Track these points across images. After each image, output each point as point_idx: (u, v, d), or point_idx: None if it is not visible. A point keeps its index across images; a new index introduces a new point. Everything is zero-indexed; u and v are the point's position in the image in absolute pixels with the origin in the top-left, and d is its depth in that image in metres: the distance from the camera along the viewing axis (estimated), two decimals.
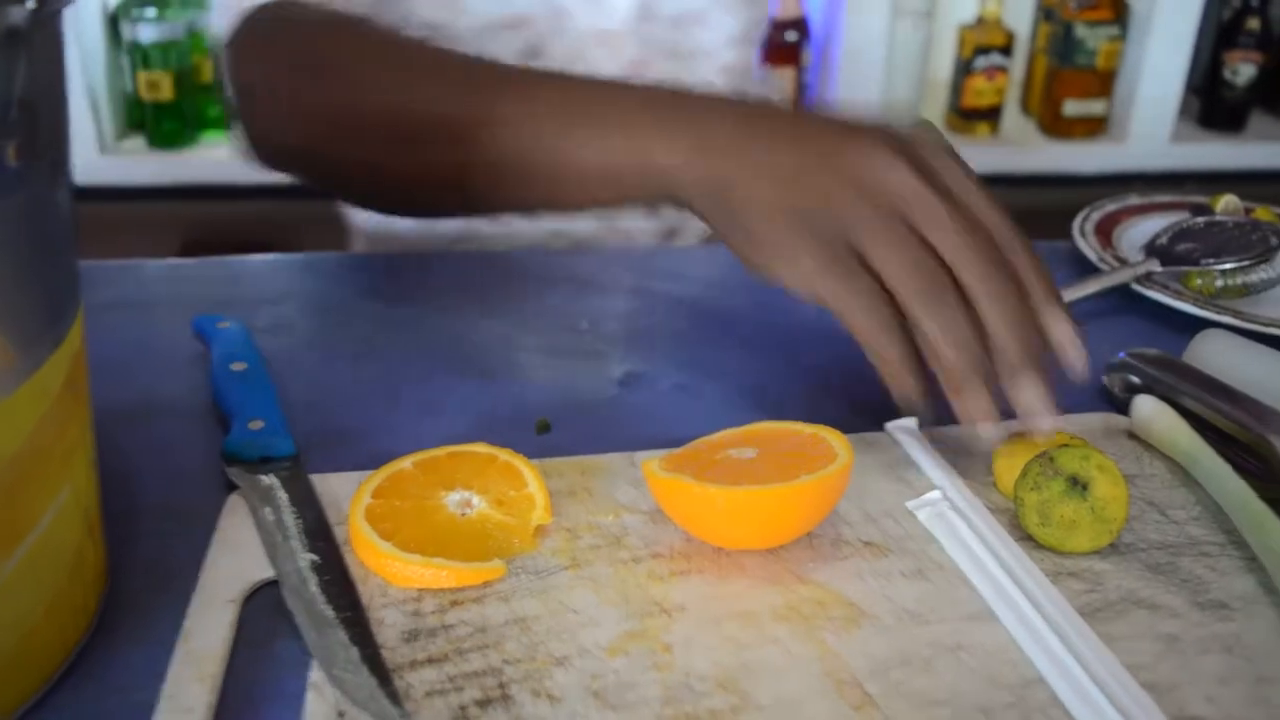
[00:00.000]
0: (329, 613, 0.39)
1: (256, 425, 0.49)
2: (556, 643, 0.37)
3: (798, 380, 0.57)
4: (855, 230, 0.44)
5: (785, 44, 1.71)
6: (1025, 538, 0.43)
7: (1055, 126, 1.83)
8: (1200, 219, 0.70)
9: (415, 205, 0.65)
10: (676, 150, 0.49)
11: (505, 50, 0.70)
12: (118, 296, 0.64)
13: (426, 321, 0.63)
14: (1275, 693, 0.37)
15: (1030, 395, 0.43)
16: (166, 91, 1.59)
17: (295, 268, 0.71)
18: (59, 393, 0.35)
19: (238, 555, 0.42)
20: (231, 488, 0.46)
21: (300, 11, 0.65)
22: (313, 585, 0.40)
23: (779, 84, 1.73)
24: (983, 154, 1.74)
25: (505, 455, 0.45)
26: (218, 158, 1.62)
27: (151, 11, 1.59)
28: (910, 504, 0.45)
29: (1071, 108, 1.81)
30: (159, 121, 1.61)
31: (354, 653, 0.37)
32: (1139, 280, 0.65)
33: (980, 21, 1.77)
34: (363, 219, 0.89)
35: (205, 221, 1.63)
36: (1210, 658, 0.39)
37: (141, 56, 1.58)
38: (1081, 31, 1.77)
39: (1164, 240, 0.68)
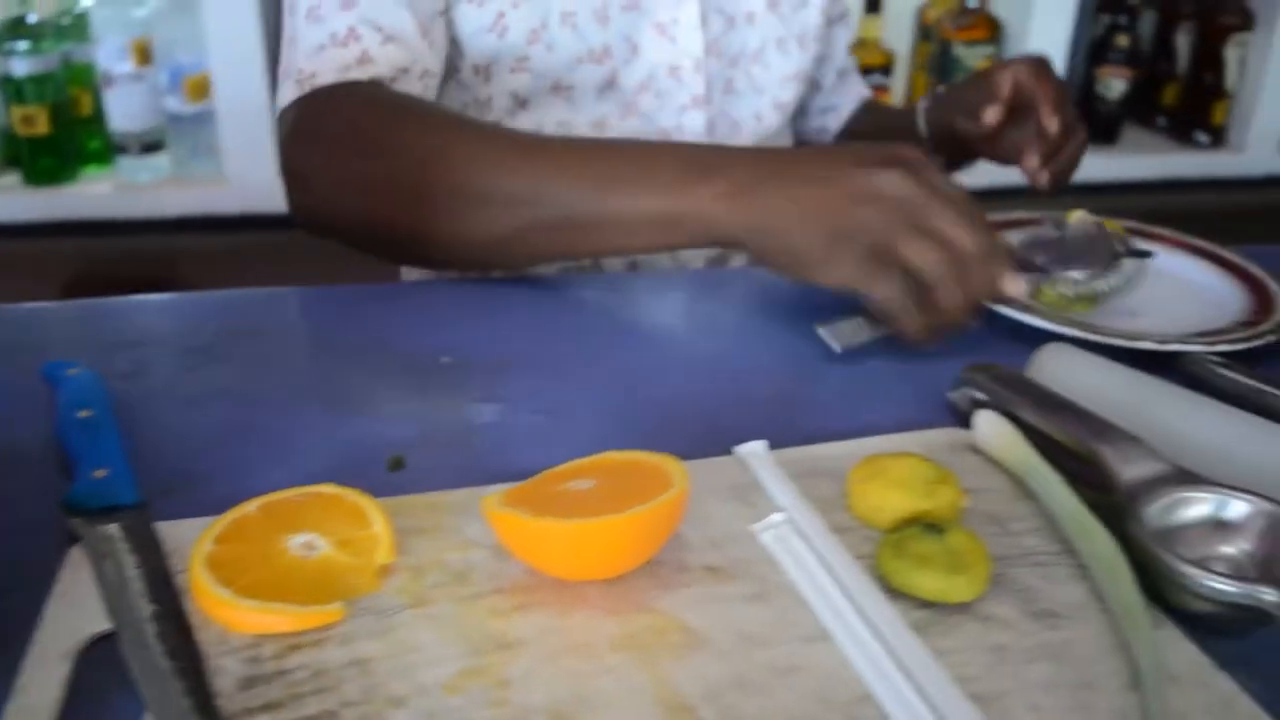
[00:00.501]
0: (165, 663, 0.38)
1: (100, 474, 0.48)
2: (395, 683, 0.37)
3: (653, 410, 0.57)
4: (877, 234, 0.59)
5: None
6: (865, 556, 0.44)
7: None
8: (1053, 231, 0.73)
9: (470, 265, 0.73)
10: (717, 197, 0.61)
11: (586, 80, 0.83)
12: None
13: (285, 361, 0.62)
14: (1097, 698, 0.39)
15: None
16: (42, 126, 1.55)
17: (154, 309, 0.70)
18: None
19: (76, 609, 0.41)
20: (75, 539, 0.45)
21: (361, 91, 0.72)
22: (150, 636, 0.39)
23: None
24: None
25: (352, 495, 0.45)
26: (98, 193, 1.58)
27: (25, 44, 1.55)
28: (753, 527, 0.45)
29: None
30: (35, 157, 1.57)
31: (186, 703, 0.36)
32: None
33: (860, 42, 1.81)
34: None
35: (88, 258, 1.59)
36: (1038, 666, 0.40)
37: (15, 90, 1.54)
38: (959, 50, 1.82)
39: (1017, 251, 0.71)
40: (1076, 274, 0.69)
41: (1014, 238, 0.75)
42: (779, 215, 0.60)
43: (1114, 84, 1.93)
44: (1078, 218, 0.78)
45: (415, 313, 0.68)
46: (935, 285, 0.59)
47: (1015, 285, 0.61)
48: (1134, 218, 0.83)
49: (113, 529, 0.45)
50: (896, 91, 1.91)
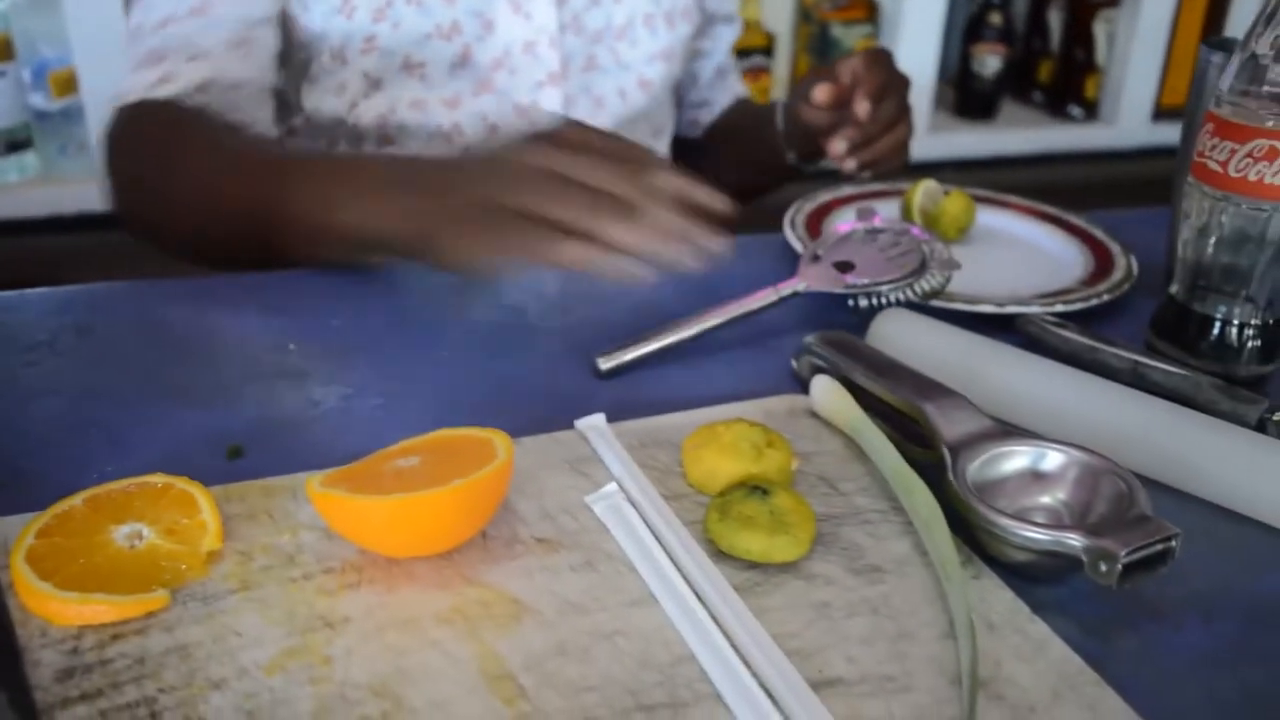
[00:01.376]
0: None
1: None
2: (215, 666, 0.37)
3: (493, 387, 0.58)
4: (507, 202, 0.55)
5: None
6: (698, 521, 0.45)
7: None
8: (860, 227, 0.69)
9: (238, 264, 0.74)
10: (394, 218, 0.60)
11: (437, 57, 0.83)
12: None
13: (126, 355, 0.61)
14: (913, 647, 0.40)
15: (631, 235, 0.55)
16: None
17: None
18: None
19: None
20: None
21: (153, 110, 0.76)
22: None
23: None
24: None
25: (181, 484, 0.45)
26: None
27: None
28: (588, 498, 0.46)
29: None
30: None
31: (1, 697, 0.36)
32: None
33: (741, 25, 1.82)
34: None
35: None
36: (857, 620, 0.41)
37: None
38: (837, 30, 1.85)
39: (821, 252, 0.67)
40: (884, 286, 0.64)
41: (832, 234, 0.71)
42: (419, 212, 0.59)
43: (989, 61, 1.97)
44: (925, 188, 0.80)
45: (257, 304, 0.68)
46: (567, 219, 0.55)
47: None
48: (1012, 191, 0.85)
49: None
50: (778, 73, 1.93)
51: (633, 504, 0.45)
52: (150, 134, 0.76)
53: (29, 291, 0.69)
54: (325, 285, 0.70)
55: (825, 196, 0.82)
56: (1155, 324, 0.62)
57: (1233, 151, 0.54)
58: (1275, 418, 0.53)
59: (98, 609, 0.39)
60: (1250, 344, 0.58)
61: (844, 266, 0.65)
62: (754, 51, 1.82)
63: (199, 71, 0.77)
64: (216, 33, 0.78)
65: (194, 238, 0.75)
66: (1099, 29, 1.99)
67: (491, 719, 0.35)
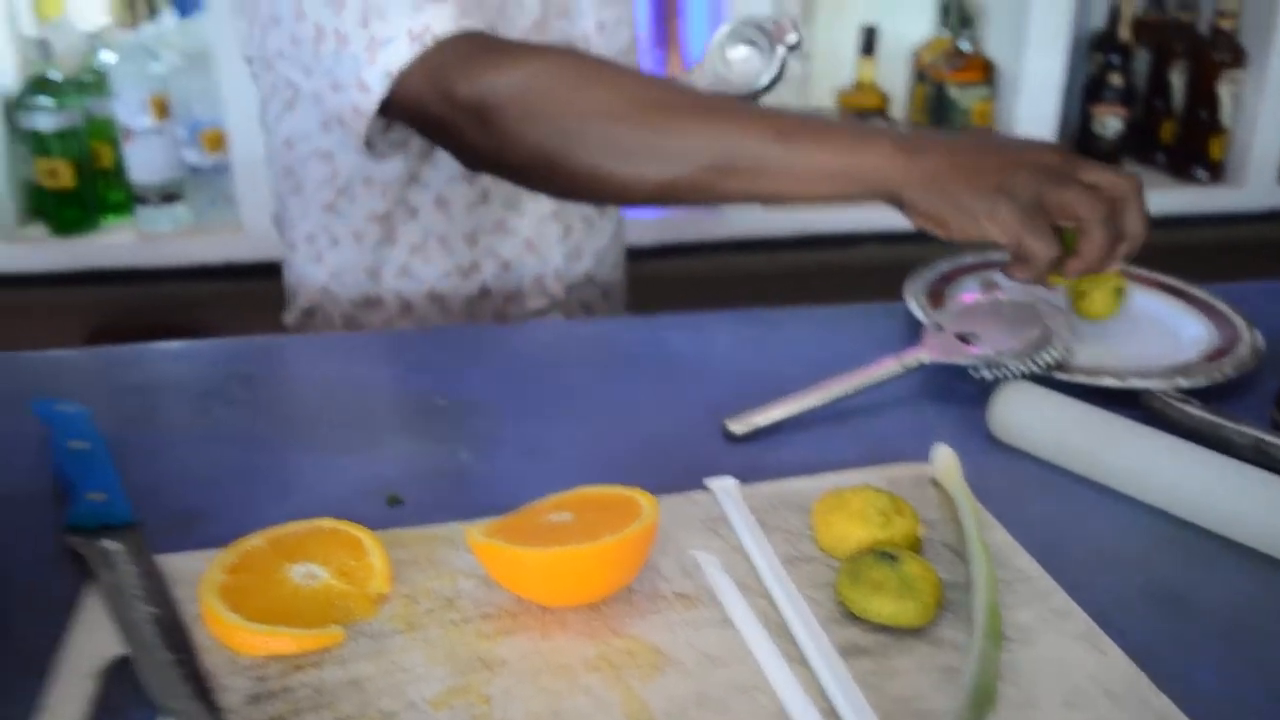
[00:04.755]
0: (170, 666, 0.42)
1: (97, 497, 0.52)
2: (387, 700, 0.41)
3: (628, 443, 0.61)
4: (1037, 190, 0.64)
5: None
6: (829, 584, 0.48)
7: None
8: (984, 298, 0.72)
9: (639, 202, 0.79)
10: (884, 154, 0.67)
11: None
12: None
13: (288, 405, 0.66)
14: (1036, 714, 0.42)
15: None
16: (66, 179, 1.61)
17: (163, 357, 0.74)
18: None
19: (96, 633, 0.45)
20: (82, 564, 0.49)
21: (504, 44, 0.78)
22: (151, 638, 0.43)
23: None
24: (864, 216, 1.81)
25: (350, 528, 0.49)
26: (120, 242, 1.64)
27: (49, 101, 1.61)
28: (700, 557, 0.49)
29: None
30: (59, 208, 1.63)
31: (197, 705, 0.40)
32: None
33: (856, 85, 1.85)
34: (313, 286, 0.98)
35: (111, 305, 1.64)
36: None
37: (40, 144, 1.60)
38: (954, 92, 1.86)
39: (945, 323, 0.69)
40: (1006, 358, 0.66)
41: (956, 304, 0.75)
42: (943, 171, 0.66)
43: (1110, 122, 1.96)
44: None
45: (407, 358, 0.72)
46: (1084, 228, 0.64)
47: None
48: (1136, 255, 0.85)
49: (111, 544, 0.49)
50: None
51: (759, 566, 0.48)
52: (539, 73, 0.76)
53: (200, 342, 0.75)
54: (470, 342, 0.74)
55: (946, 266, 0.83)
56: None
57: None
58: None
59: (281, 641, 0.43)
60: None
61: (967, 337, 0.66)
62: (868, 112, 1.85)
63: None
64: None
65: (615, 177, 0.75)
66: (1223, 89, 1.96)
67: None
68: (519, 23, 0.91)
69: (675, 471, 0.56)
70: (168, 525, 0.52)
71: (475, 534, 0.45)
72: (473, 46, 0.77)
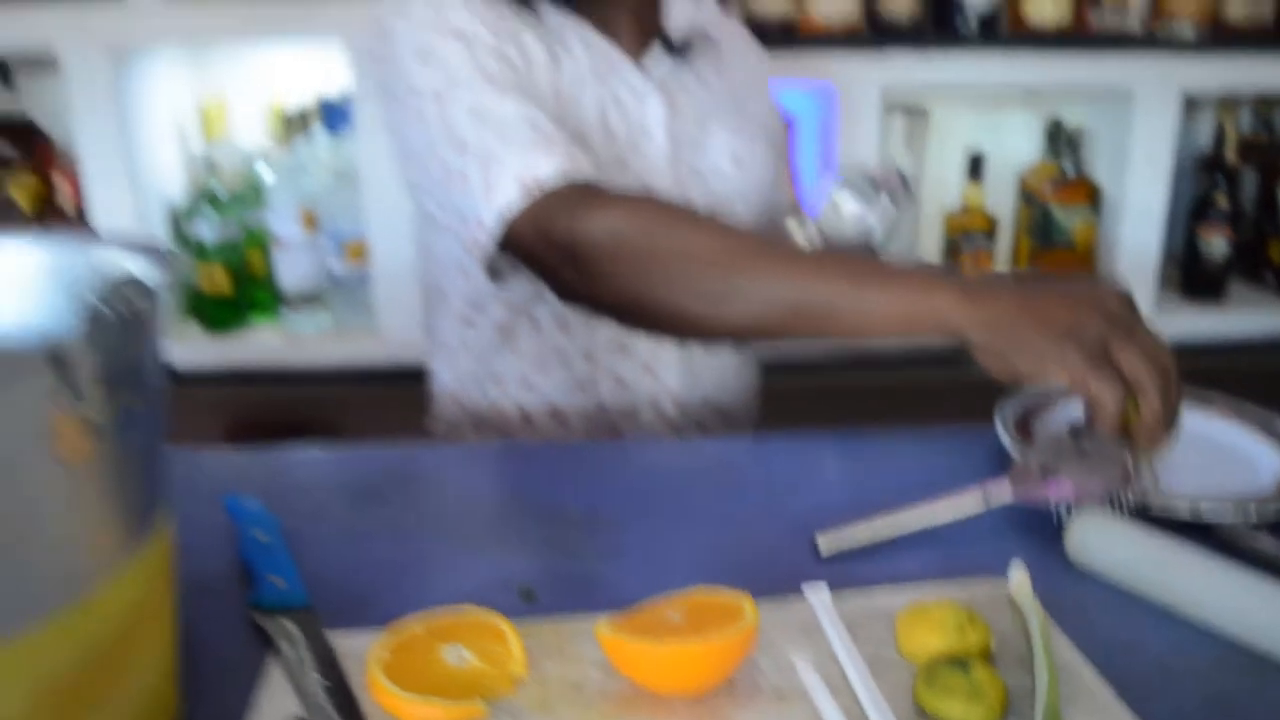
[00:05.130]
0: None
1: (277, 581, 0.61)
2: None
3: (739, 554, 0.68)
4: (1097, 338, 0.68)
5: None
6: (909, 686, 0.54)
7: None
8: (1067, 437, 0.73)
9: (725, 339, 0.92)
10: (950, 298, 0.72)
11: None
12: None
13: (436, 506, 0.75)
14: None
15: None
16: (223, 283, 1.76)
17: (325, 458, 0.84)
18: (152, 577, 0.47)
19: (279, 697, 0.53)
20: (264, 636, 0.57)
21: (605, 194, 0.86)
22: (324, 702, 0.51)
23: None
24: None
25: (491, 617, 0.57)
26: (268, 343, 1.78)
27: (212, 212, 1.77)
28: (795, 658, 0.55)
29: None
30: (214, 310, 1.78)
31: None
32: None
33: (964, 208, 1.92)
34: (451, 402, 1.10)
35: (258, 402, 1.78)
36: None
37: (201, 251, 1.76)
38: (1058, 214, 1.92)
39: (1029, 461, 0.73)
40: (1085, 501, 0.70)
41: (1043, 438, 0.81)
42: (1010, 315, 0.70)
43: (1216, 243, 1.99)
44: None
45: (542, 469, 0.81)
46: (1143, 391, 0.68)
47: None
48: (1242, 377, 0.89)
49: (290, 624, 0.58)
50: (1000, 254, 2.01)
51: (846, 670, 0.54)
52: (633, 220, 0.83)
53: (358, 449, 0.84)
54: (594, 457, 0.83)
55: (1036, 392, 0.89)
56: None
57: None
58: None
59: (434, 711, 0.51)
60: None
61: (1048, 471, 0.72)
62: (976, 234, 1.91)
63: (581, 153, 0.89)
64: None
65: (702, 319, 0.81)
66: None
67: None
68: (649, 155, 1.01)
69: (776, 578, 0.63)
70: (336, 608, 0.60)
71: (602, 628, 0.52)
72: (573, 193, 0.86)
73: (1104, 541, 0.65)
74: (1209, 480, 0.77)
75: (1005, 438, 0.81)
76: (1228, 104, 1.99)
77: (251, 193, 1.82)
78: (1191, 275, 2.02)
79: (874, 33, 1.81)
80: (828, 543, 0.68)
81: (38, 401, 0.38)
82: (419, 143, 0.94)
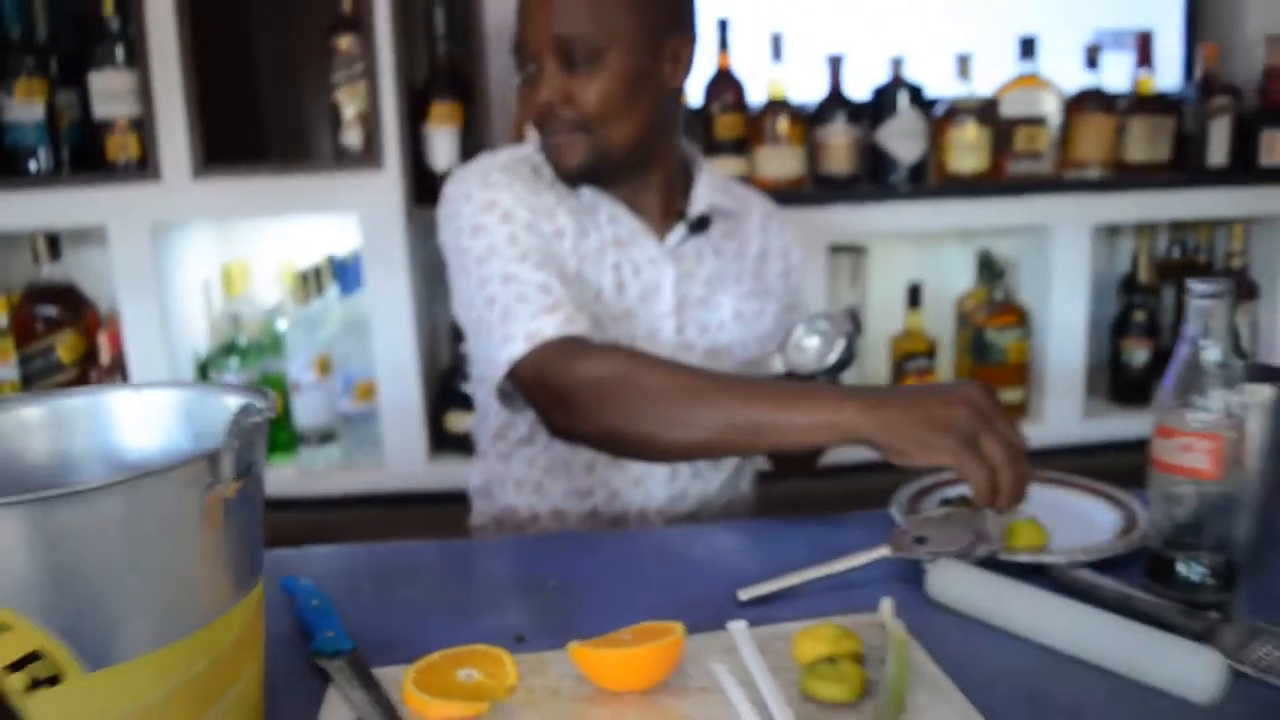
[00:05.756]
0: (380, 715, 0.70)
1: (329, 634, 0.81)
2: None
3: (679, 604, 0.88)
4: (967, 430, 0.92)
5: None
6: (795, 680, 0.74)
7: None
8: (939, 511, 0.96)
9: (682, 458, 1.10)
10: (856, 410, 0.95)
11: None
12: None
13: (443, 581, 0.95)
14: None
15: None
16: None
17: (353, 553, 1.04)
18: (254, 612, 0.67)
19: (336, 710, 0.72)
20: (322, 675, 0.77)
21: (589, 344, 1.12)
22: (374, 714, 0.71)
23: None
24: None
25: (493, 650, 0.76)
26: (284, 476, 1.98)
27: (235, 362, 2.00)
28: (716, 666, 0.75)
29: None
30: None
31: None
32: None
33: (906, 333, 2.15)
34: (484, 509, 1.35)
35: (274, 529, 1.97)
36: None
37: None
38: (992, 335, 2.15)
39: (907, 527, 0.95)
40: (945, 555, 0.91)
41: (920, 513, 1.00)
42: (903, 418, 0.93)
43: (1137, 353, 2.21)
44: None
45: (528, 555, 1.01)
46: (1001, 469, 0.91)
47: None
48: None
49: (342, 663, 0.77)
50: (941, 372, 2.24)
51: (752, 672, 0.74)
52: (607, 365, 1.07)
53: (407, 543, 1.05)
54: (574, 543, 1.03)
55: (929, 481, 1.10)
56: (1147, 570, 0.87)
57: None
58: (1220, 627, 0.77)
59: (451, 709, 0.70)
60: (1208, 580, 0.83)
61: (921, 539, 0.93)
62: (917, 355, 2.14)
63: (586, 320, 1.15)
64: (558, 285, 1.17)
65: (660, 442, 1.05)
66: (1240, 321, 2.21)
67: None
68: (657, 308, 1.25)
69: (706, 619, 0.83)
70: (374, 651, 0.80)
71: (574, 645, 0.73)
72: (566, 346, 1.11)
73: (953, 582, 0.85)
74: (1058, 537, 0.97)
75: (895, 512, 1.02)
76: (1144, 230, 2.24)
77: (270, 342, 2.05)
78: (1118, 382, 2.24)
79: (816, 187, 2.07)
80: (746, 592, 0.88)
81: (198, 487, 0.59)
82: (464, 292, 1.21)
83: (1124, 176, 2.11)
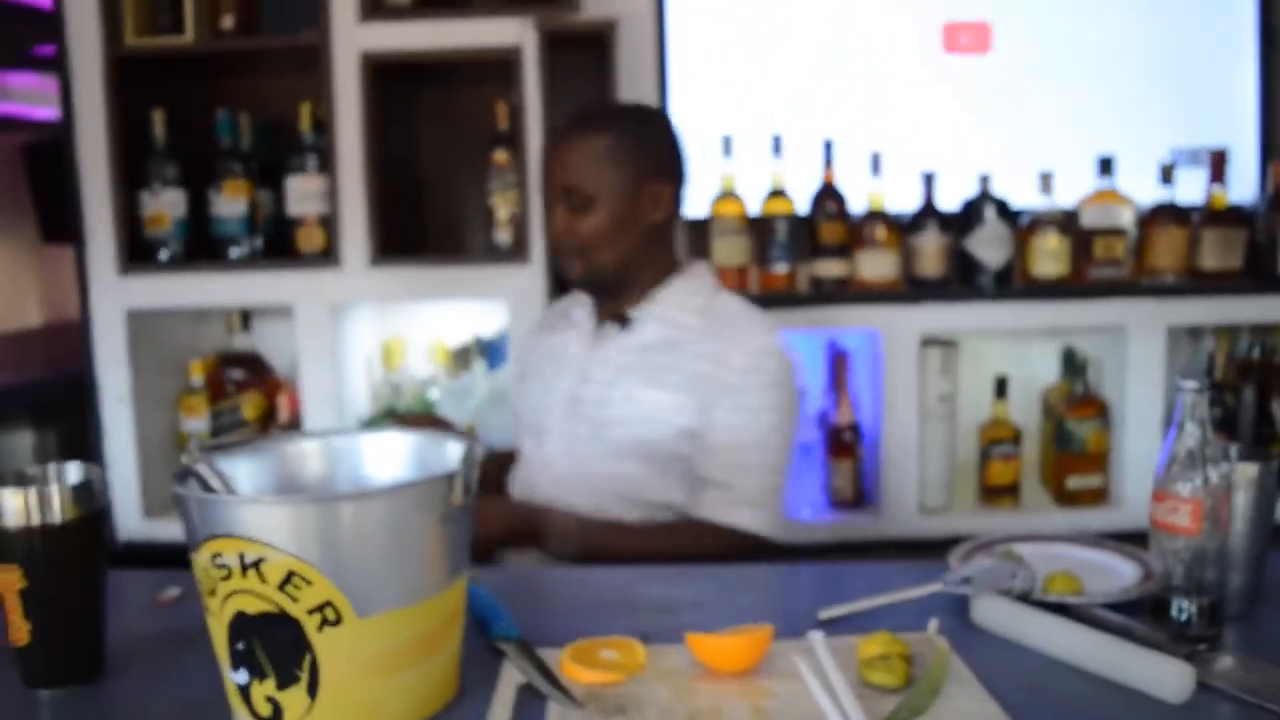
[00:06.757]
0: (544, 678, 0.95)
1: (501, 625, 1.07)
2: (650, 709, 0.92)
3: (775, 620, 1.12)
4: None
5: (844, 442, 2.32)
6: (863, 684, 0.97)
7: (1063, 497, 2.35)
8: (987, 560, 1.18)
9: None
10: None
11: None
12: None
13: (594, 591, 1.20)
14: None
15: None
16: None
17: (516, 575, 1.30)
18: (461, 594, 0.94)
19: (510, 676, 0.98)
20: (498, 653, 1.03)
21: None
22: (536, 673, 0.96)
23: (842, 472, 2.33)
24: (1005, 522, 2.26)
25: (627, 639, 1.01)
26: None
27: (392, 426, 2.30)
28: (796, 659, 0.98)
29: (1073, 482, 2.34)
30: None
31: (556, 690, 0.92)
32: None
33: (993, 421, 2.35)
34: None
35: None
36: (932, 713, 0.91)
37: None
38: (1072, 425, 2.33)
39: (956, 569, 1.17)
40: (988, 589, 1.13)
41: (971, 561, 1.22)
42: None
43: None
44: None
45: (649, 578, 1.26)
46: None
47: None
48: None
49: (512, 646, 1.03)
50: (1031, 455, 2.42)
51: (825, 666, 0.98)
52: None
53: (554, 568, 1.31)
54: (681, 573, 1.28)
55: (981, 538, 1.32)
56: (1148, 609, 1.08)
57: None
58: (1200, 653, 0.98)
59: (596, 676, 0.96)
60: (1194, 618, 1.03)
61: (968, 579, 1.15)
62: (1004, 441, 2.33)
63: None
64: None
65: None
66: None
67: None
68: (563, 380, 1.68)
69: (796, 632, 1.06)
70: (529, 636, 1.06)
71: (690, 635, 0.97)
72: None
73: (990, 611, 1.07)
74: (1092, 584, 1.18)
75: (952, 559, 1.24)
76: (1223, 332, 2.41)
77: (423, 409, 2.35)
78: None
79: (911, 287, 2.31)
80: (825, 613, 1.12)
81: (440, 497, 0.86)
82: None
83: (1197, 283, 2.30)
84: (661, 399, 1.57)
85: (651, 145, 1.63)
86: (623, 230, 1.59)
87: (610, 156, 1.58)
